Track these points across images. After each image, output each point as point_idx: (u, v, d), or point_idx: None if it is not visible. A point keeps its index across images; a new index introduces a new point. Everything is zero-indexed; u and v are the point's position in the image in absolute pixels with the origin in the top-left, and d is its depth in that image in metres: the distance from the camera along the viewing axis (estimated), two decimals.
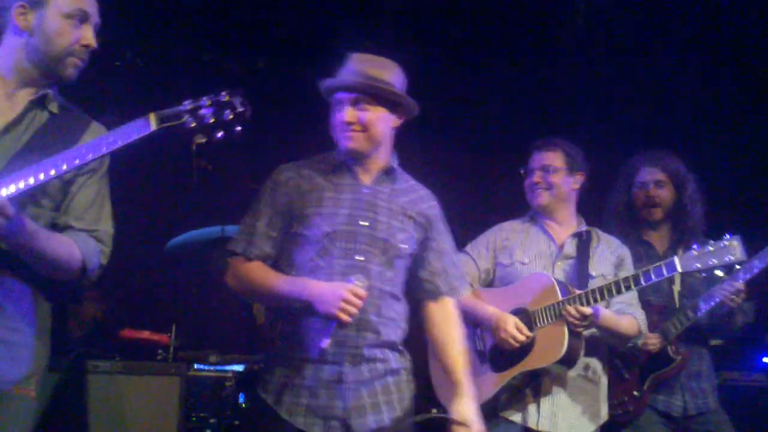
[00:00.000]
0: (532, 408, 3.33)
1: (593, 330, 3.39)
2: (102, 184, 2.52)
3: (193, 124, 2.28)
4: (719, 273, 3.38)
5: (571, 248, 3.51)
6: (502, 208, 3.87)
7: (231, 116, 2.29)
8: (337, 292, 2.54)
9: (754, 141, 5.74)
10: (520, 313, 3.36)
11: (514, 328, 3.30)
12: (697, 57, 5.56)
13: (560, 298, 3.30)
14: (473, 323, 3.43)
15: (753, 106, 5.66)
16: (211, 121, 2.27)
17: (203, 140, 2.34)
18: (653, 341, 3.62)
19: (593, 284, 3.37)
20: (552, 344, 3.27)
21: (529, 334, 3.29)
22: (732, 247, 3.19)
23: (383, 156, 2.81)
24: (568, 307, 3.25)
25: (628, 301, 3.48)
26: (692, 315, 3.65)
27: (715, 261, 3.20)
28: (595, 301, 3.28)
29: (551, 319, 3.29)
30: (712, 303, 3.61)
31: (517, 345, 3.29)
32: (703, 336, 3.84)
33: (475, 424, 2.74)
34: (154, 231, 5.32)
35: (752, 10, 5.15)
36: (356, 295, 2.54)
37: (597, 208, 3.97)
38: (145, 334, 4.57)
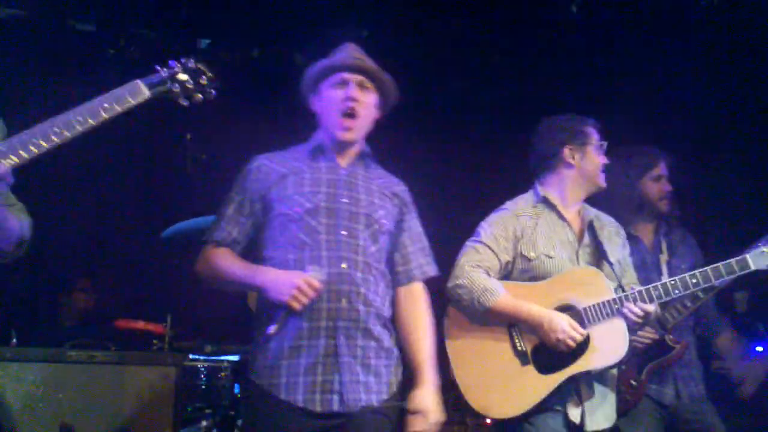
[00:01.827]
0: (571, 402, 3.15)
1: None
2: None
3: (177, 89, 2.52)
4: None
5: (588, 235, 3.35)
6: (497, 196, 3.82)
7: (205, 81, 2.56)
8: (291, 281, 2.58)
9: (751, 135, 5.73)
10: (568, 310, 3.16)
11: (571, 329, 3.08)
12: (693, 46, 5.55)
13: (611, 293, 3.16)
14: (509, 322, 3.21)
15: (751, 100, 5.64)
16: (191, 86, 2.53)
17: (186, 103, 2.56)
18: (650, 334, 3.63)
19: (616, 271, 3.27)
20: (612, 343, 3.10)
21: (584, 332, 3.09)
22: None
23: (360, 142, 2.91)
24: (630, 304, 3.11)
25: (635, 282, 3.42)
26: (690, 305, 3.66)
27: None
28: (659, 298, 3.16)
29: (605, 317, 3.12)
30: (710, 291, 3.63)
31: (574, 346, 3.09)
32: (690, 325, 3.87)
33: (433, 414, 2.72)
34: (150, 220, 5.30)
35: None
36: (310, 285, 2.57)
37: None
38: (140, 324, 4.56)
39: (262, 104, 5.67)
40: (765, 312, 5.29)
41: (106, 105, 2.38)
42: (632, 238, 3.83)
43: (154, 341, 4.49)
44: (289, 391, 2.61)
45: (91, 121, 2.35)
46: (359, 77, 2.83)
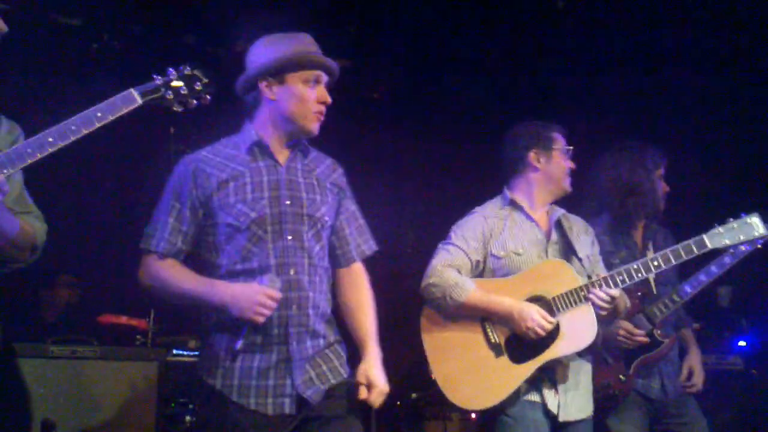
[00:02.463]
0: (549, 393, 3.24)
1: None
2: (19, 170, 2.56)
3: (171, 96, 2.54)
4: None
5: (555, 233, 3.46)
6: (473, 190, 3.83)
7: (200, 87, 2.57)
8: (252, 297, 2.57)
9: (735, 133, 5.77)
10: (538, 300, 3.25)
11: (540, 317, 3.17)
12: (682, 41, 5.58)
13: (579, 282, 3.24)
14: (482, 316, 3.30)
15: (739, 96, 5.68)
16: (185, 92, 2.55)
17: (180, 109, 2.58)
18: (641, 338, 3.65)
19: (585, 266, 3.35)
20: (581, 329, 3.20)
21: (553, 320, 3.18)
22: (754, 224, 3.24)
23: None
24: (596, 290, 3.20)
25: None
26: (678, 299, 3.69)
27: (741, 237, 3.24)
28: (623, 283, 3.23)
29: (573, 304, 3.22)
30: (708, 279, 3.67)
31: (544, 334, 3.18)
32: (674, 321, 3.89)
33: (379, 384, 2.75)
34: (132, 215, 5.28)
35: None
36: (270, 297, 2.58)
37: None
38: (123, 319, 4.55)
39: None
40: (748, 307, 5.35)
41: (99, 114, 2.42)
42: (627, 235, 3.87)
43: (137, 336, 4.48)
44: (241, 394, 2.62)
45: (84, 130, 2.40)
46: (327, 79, 2.79)
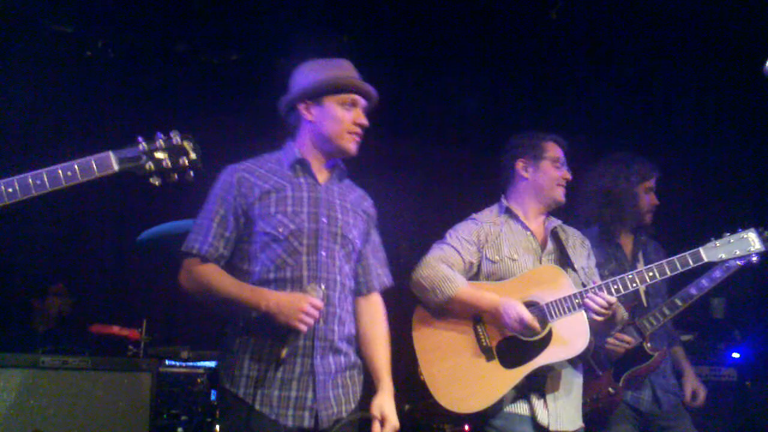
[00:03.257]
0: (538, 403, 3.22)
1: None
2: None
3: (151, 167, 2.38)
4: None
5: (551, 243, 3.46)
6: (470, 201, 3.82)
7: (186, 162, 2.42)
8: (297, 304, 2.62)
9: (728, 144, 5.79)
10: (531, 306, 3.24)
11: (522, 310, 3.15)
12: (674, 50, 5.60)
13: (573, 290, 3.23)
14: (474, 318, 3.29)
15: (729, 103, 5.70)
16: (167, 165, 2.40)
17: (158, 182, 2.42)
18: (628, 339, 3.65)
19: (581, 277, 3.34)
20: (573, 336, 3.18)
21: (530, 316, 3.16)
22: (751, 239, 3.25)
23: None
24: (594, 296, 3.18)
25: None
26: (668, 312, 3.69)
27: (737, 252, 3.25)
28: (617, 292, 3.22)
29: (567, 311, 3.20)
30: (699, 293, 3.67)
31: (526, 328, 3.15)
32: (667, 334, 3.90)
33: (391, 420, 2.83)
34: (125, 224, 5.26)
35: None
36: (314, 306, 2.64)
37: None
38: (115, 329, 4.52)
39: (241, 108, 5.64)
40: (741, 318, 5.35)
41: (69, 173, 2.30)
42: (616, 246, 3.86)
43: (129, 347, 4.44)
44: (263, 403, 2.66)
45: (48, 187, 2.29)
46: (364, 103, 2.90)
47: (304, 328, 2.62)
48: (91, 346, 4.37)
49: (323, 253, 2.78)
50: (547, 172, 3.46)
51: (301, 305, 2.62)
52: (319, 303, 2.65)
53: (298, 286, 2.71)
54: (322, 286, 2.71)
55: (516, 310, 3.15)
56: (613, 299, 3.19)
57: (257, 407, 2.65)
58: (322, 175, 2.91)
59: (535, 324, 3.15)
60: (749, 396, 5.09)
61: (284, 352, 2.64)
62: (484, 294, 3.27)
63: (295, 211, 2.78)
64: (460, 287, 3.25)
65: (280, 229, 2.75)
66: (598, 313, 3.17)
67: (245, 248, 2.79)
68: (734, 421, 4.96)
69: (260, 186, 2.80)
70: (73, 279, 5.42)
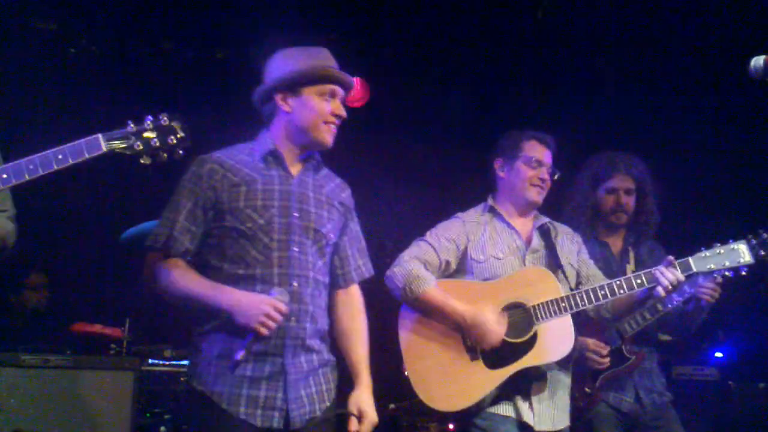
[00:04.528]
0: (523, 404, 3.22)
1: None
2: None
3: (140, 147, 2.45)
4: None
5: (537, 241, 3.46)
6: (458, 200, 3.82)
7: (174, 141, 2.48)
8: (259, 307, 2.55)
9: (722, 140, 5.80)
10: (517, 307, 3.24)
11: (494, 325, 3.15)
12: (664, 50, 5.62)
13: (561, 293, 3.22)
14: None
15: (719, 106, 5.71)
16: (156, 144, 2.46)
17: (148, 161, 2.48)
18: (604, 355, 3.64)
19: (568, 274, 3.35)
20: (559, 340, 3.18)
21: (499, 329, 3.17)
22: (741, 251, 3.25)
23: None
24: (662, 269, 3.18)
25: (596, 274, 3.48)
26: (650, 316, 3.69)
27: (727, 263, 3.24)
28: (604, 298, 3.23)
29: (553, 314, 3.20)
30: (681, 299, 3.65)
31: (495, 343, 3.16)
32: (652, 335, 3.89)
33: (369, 416, 2.79)
34: (108, 221, 5.22)
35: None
36: (277, 310, 2.56)
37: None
38: (98, 328, 4.49)
39: (225, 106, 5.62)
40: (724, 318, 5.37)
41: (60, 156, 2.36)
42: (600, 243, 3.86)
43: (112, 345, 4.42)
44: (231, 402, 2.60)
45: (41, 171, 2.34)
46: (343, 93, 2.82)
47: (264, 331, 2.54)
48: (73, 345, 4.33)
49: (295, 249, 2.69)
50: (520, 172, 3.44)
51: (262, 308, 2.54)
52: (283, 307, 2.56)
53: (269, 283, 2.63)
54: (295, 284, 2.65)
55: (483, 329, 3.15)
56: (682, 277, 3.20)
57: (224, 406, 2.59)
58: (295, 168, 2.81)
59: (497, 343, 3.15)
60: (732, 395, 5.12)
61: (242, 356, 2.54)
62: (451, 302, 3.24)
63: (265, 205, 2.69)
64: (429, 289, 3.24)
65: (249, 224, 2.66)
66: (665, 289, 3.19)
67: (214, 243, 2.70)
68: (717, 421, 4.99)
69: (229, 178, 2.71)
70: (56, 277, 5.38)
